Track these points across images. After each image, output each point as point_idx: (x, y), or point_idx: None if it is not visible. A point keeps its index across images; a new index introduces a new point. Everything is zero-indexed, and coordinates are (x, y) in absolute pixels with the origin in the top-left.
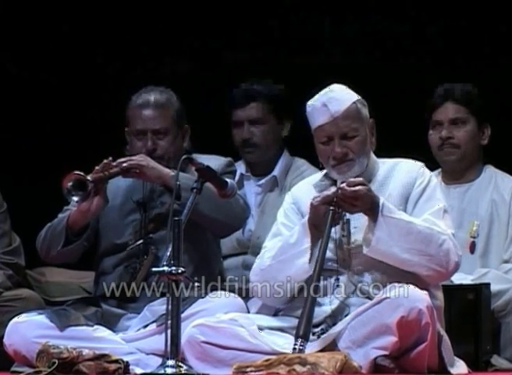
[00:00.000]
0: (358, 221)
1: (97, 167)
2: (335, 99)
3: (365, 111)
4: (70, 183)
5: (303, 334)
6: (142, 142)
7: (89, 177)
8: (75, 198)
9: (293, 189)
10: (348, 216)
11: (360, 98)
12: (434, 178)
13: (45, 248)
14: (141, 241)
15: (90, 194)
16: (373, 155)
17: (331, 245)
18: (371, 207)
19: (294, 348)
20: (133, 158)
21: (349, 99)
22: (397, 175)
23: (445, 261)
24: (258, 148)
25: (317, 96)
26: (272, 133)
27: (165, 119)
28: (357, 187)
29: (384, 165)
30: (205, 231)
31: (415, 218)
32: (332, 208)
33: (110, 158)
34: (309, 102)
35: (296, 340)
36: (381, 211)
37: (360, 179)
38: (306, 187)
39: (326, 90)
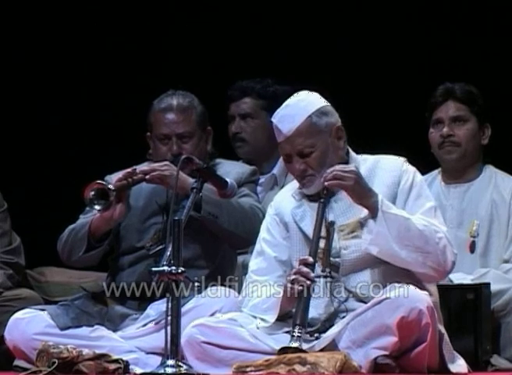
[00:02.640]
0: (345, 218)
1: (120, 175)
2: (286, 117)
3: (326, 120)
4: (92, 193)
5: (300, 322)
6: (167, 147)
7: (111, 186)
8: (97, 207)
9: (275, 199)
10: (333, 217)
11: (320, 106)
12: (418, 174)
13: (66, 253)
14: (163, 246)
15: (112, 202)
16: (353, 154)
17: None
18: (362, 194)
19: (293, 336)
20: (157, 168)
21: (302, 115)
22: (380, 174)
23: (442, 259)
24: (247, 142)
25: (276, 111)
26: (262, 130)
27: (189, 123)
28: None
29: (366, 162)
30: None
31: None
32: (322, 200)
33: (134, 167)
34: (273, 117)
35: (293, 327)
36: (380, 206)
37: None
38: (287, 195)
39: (284, 105)
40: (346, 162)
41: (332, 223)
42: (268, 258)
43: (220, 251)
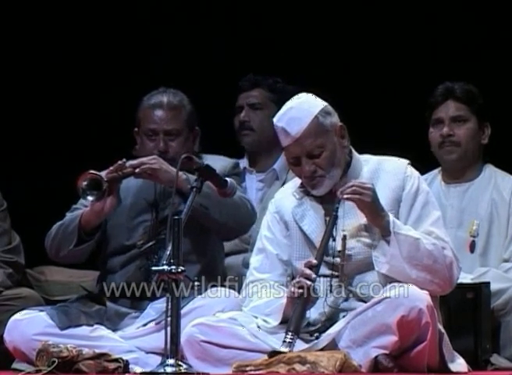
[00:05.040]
0: (349, 219)
1: (111, 167)
2: (293, 119)
3: (330, 119)
4: (85, 183)
5: (294, 328)
6: (154, 143)
7: (104, 176)
8: (90, 198)
9: (276, 197)
10: (342, 225)
11: (323, 107)
12: (422, 180)
13: (55, 247)
14: (153, 242)
15: (105, 193)
16: (356, 154)
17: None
18: (375, 213)
19: (284, 341)
20: (146, 161)
21: (308, 115)
22: (383, 176)
23: (448, 275)
24: (254, 132)
25: (279, 115)
26: (269, 121)
27: (177, 121)
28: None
29: (368, 163)
30: (211, 234)
31: (414, 226)
32: (334, 213)
33: (124, 160)
34: (274, 120)
35: (286, 333)
36: (392, 228)
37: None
38: (287, 193)
39: (286, 108)
40: (349, 163)
41: (344, 237)
42: (270, 256)
43: (210, 246)
